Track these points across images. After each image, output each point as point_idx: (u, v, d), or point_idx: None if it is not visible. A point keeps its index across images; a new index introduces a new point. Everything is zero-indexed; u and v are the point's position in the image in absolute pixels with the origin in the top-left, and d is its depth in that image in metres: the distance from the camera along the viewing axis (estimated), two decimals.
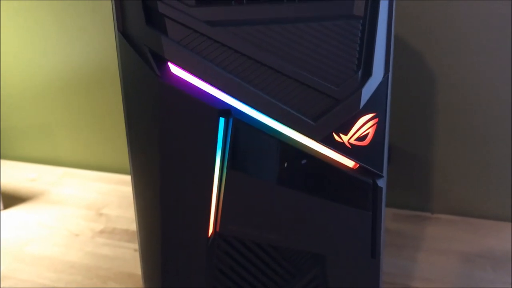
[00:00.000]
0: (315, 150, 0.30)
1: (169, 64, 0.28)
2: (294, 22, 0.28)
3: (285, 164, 0.30)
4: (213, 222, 0.31)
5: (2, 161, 0.79)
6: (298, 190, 0.30)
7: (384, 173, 0.31)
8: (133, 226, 0.58)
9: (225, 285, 0.33)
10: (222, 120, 0.29)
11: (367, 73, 0.29)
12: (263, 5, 0.28)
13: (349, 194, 0.31)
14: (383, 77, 0.29)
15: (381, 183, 0.31)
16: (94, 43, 0.68)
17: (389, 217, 0.58)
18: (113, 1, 0.29)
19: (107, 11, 0.65)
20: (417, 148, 0.58)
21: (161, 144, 0.30)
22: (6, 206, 0.63)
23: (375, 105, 0.29)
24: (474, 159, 0.57)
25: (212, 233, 0.31)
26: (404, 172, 0.60)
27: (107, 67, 0.69)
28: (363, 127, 0.29)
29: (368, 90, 0.29)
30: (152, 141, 0.30)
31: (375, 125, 0.30)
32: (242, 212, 0.31)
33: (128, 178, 0.71)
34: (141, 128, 0.31)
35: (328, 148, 0.29)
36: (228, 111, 0.29)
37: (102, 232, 0.57)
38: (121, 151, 0.74)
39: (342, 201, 0.31)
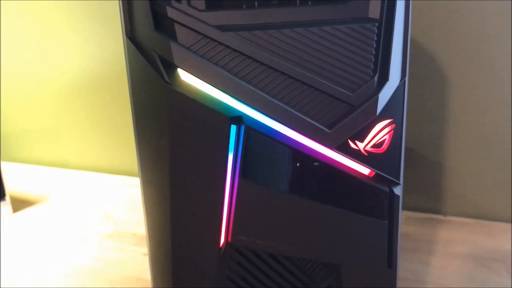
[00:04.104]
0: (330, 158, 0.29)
1: (179, 70, 0.27)
2: (307, 26, 0.27)
3: (297, 167, 0.29)
4: (225, 232, 0.30)
5: (11, 164, 0.79)
6: (312, 199, 0.30)
7: (401, 181, 0.30)
8: (141, 229, 0.57)
9: None
10: (233, 128, 0.28)
11: (384, 78, 0.28)
12: (275, 9, 0.27)
13: (365, 202, 0.30)
14: (400, 81, 0.28)
15: (398, 191, 0.30)
16: (101, 45, 0.67)
17: None
18: (121, 6, 0.28)
19: (114, 14, 0.65)
20: (429, 150, 0.57)
21: (171, 152, 0.29)
22: (15, 210, 0.63)
23: (391, 111, 0.28)
24: (487, 161, 0.55)
25: (223, 243, 0.31)
26: (416, 174, 0.59)
27: (114, 69, 0.68)
28: (379, 133, 0.28)
29: (384, 95, 0.28)
30: (162, 148, 0.29)
31: (392, 132, 0.29)
32: (254, 222, 0.30)
33: (135, 181, 0.71)
34: (151, 136, 0.30)
35: (344, 155, 0.29)
36: (239, 118, 0.28)
37: (110, 236, 0.56)
38: (128, 154, 0.74)
39: (358, 210, 0.30)
